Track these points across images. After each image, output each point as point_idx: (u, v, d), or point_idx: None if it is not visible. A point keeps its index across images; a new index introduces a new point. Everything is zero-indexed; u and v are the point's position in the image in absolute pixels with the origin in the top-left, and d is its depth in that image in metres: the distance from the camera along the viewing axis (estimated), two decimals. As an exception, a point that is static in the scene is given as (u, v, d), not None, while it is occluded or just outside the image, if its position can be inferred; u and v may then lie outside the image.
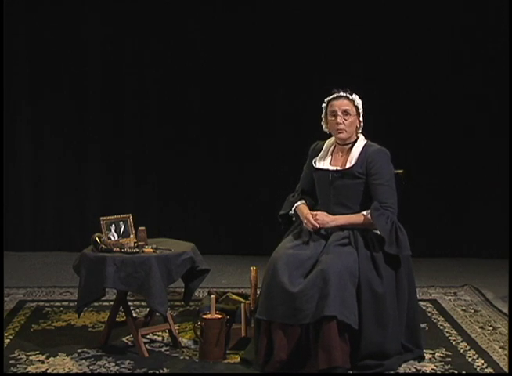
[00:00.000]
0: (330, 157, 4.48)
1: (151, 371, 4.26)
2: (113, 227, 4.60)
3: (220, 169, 7.27)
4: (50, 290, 5.94)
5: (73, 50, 7.18)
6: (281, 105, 7.14)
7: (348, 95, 4.41)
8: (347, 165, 4.39)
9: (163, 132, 7.26)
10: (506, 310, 5.34)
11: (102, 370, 4.29)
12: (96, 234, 4.51)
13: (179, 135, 7.24)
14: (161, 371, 4.26)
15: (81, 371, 4.27)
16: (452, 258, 7.08)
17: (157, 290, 4.34)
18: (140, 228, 4.69)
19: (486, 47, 7.04)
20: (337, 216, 4.34)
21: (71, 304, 5.44)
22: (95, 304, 5.24)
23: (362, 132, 4.50)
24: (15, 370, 4.27)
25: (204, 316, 4.47)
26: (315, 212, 4.39)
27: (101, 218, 4.58)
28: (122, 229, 4.64)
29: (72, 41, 7.17)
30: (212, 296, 4.53)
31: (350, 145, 4.44)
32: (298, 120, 7.01)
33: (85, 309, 5.06)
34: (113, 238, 4.57)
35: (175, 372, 4.27)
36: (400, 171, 4.56)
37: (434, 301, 5.64)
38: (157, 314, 4.69)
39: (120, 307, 4.61)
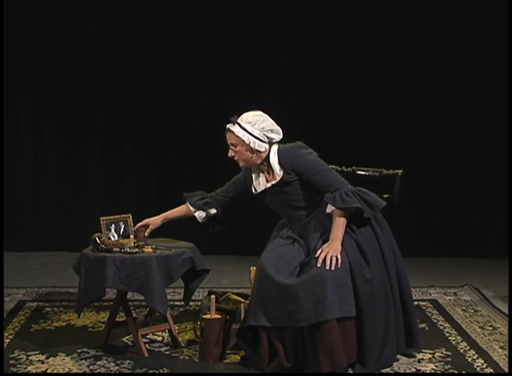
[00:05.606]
0: (263, 177, 4.48)
1: (151, 371, 4.26)
2: (113, 227, 4.60)
3: (220, 169, 7.24)
4: (50, 290, 5.94)
5: (73, 49, 7.17)
6: (283, 106, 7.12)
7: (230, 126, 4.42)
8: (278, 178, 4.38)
9: (163, 132, 7.25)
10: (506, 310, 5.34)
11: (102, 370, 4.29)
12: (96, 234, 4.51)
13: (179, 135, 7.23)
14: (161, 371, 4.26)
15: (81, 371, 4.27)
16: (452, 258, 7.07)
17: (157, 290, 4.34)
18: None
19: (486, 45, 7.04)
20: (333, 236, 4.19)
21: (71, 304, 5.43)
22: (95, 304, 5.24)
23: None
24: (15, 370, 4.27)
25: (204, 316, 4.47)
26: (324, 250, 4.17)
27: (101, 218, 4.58)
28: (122, 229, 4.64)
29: (72, 40, 7.16)
30: (212, 296, 4.53)
31: (266, 161, 4.42)
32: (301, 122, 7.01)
33: (85, 309, 5.07)
34: (113, 238, 4.58)
35: (175, 372, 4.27)
36: (400, 171, 4.56)
37: (434, 301, 5.64)
38: (157, 314, 4.69)
39: (120, 307, 4.61)
